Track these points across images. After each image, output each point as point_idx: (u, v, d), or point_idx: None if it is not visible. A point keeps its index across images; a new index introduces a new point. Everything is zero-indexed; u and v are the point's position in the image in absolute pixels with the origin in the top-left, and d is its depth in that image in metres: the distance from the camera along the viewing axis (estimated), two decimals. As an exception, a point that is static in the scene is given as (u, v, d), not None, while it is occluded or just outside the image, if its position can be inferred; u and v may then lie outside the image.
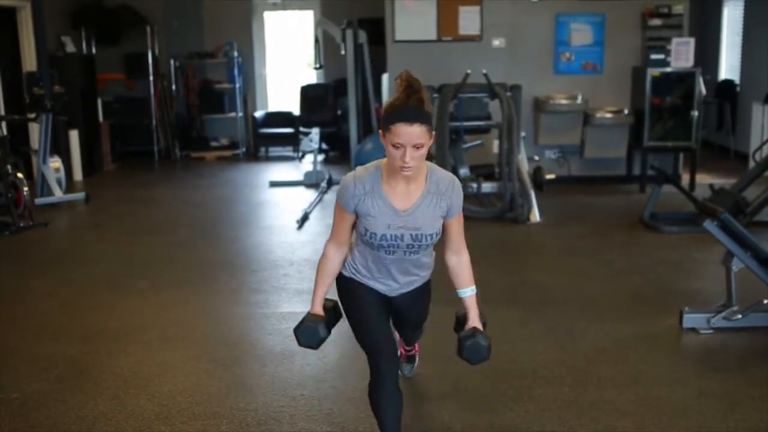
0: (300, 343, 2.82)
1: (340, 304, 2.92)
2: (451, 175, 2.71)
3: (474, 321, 2.81)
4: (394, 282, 2.82)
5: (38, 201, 7.71)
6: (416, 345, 3.57)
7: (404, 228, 2.63)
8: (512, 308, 4.72)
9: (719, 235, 4.20)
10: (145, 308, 4.88)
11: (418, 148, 2.48)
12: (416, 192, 2.63)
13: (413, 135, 2.45)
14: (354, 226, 2.75)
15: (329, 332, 2.84)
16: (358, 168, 2.69)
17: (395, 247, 2.67)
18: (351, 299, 2.84)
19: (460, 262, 2.81)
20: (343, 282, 2.88)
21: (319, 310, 2.83)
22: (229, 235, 6.78)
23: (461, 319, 2.87)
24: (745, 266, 4.23)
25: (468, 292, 2.83)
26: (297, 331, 2.81)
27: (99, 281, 5.47)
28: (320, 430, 3.26)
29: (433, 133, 2.56)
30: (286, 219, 7.23)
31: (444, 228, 2.73)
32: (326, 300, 2.87)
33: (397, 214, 2.62)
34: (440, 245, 2.82)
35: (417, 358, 3.64)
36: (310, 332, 2.78)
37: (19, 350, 4.22)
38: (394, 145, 2.48)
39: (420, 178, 2.63)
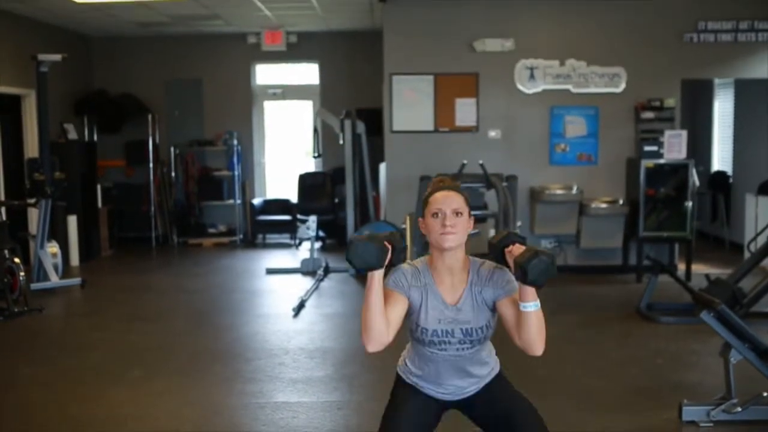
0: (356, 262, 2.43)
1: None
2: (494, 263, 2.59)
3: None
4: (449, 384, 2.64)
5: (34, 286, 7.68)
6: None
7: (454, 323, 2.55)
8: (509, 400, 4.65)
9: (716, 327, 4.19)
10: (137, 398, 4.81)
11: (458, 214, 2.50)
12: (460, 285, 2.57)
13: (451, 200, 2.50)
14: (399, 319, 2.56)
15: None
16: (404, 263, 2.59)
17: (446, 344, 2.56)
18: (392, 399, 2.69)
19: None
20: (396, 380, 2.74)
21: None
22: (224, 323, 6.74)
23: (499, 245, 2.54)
24: (744, 358, 4.21)
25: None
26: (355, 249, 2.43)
27: (92, 369, 5.40)
28: None
29: (473, 219, 2.57)
30: (282, 307, 7.19)
31: (503, 314, 2.54)
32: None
33: (447, 308, 2.55)
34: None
35: None
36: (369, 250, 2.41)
37: (7, 440, 4.15)
38: (433, 215, 2.51)
39: (463, 268, 2.58)
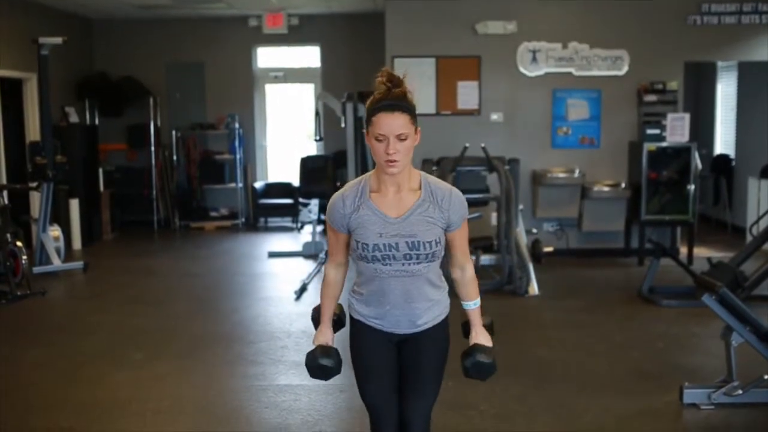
0: (312, 375, 2.70)
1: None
2: (448, 185, 2.60)
3: (475, 337, 2.69)
4: (398, 310, 2.60)
5: (36, 269, 7.69)
6: None
7: (398, 236, 2.49)
8: (511, 383, 4.66)
9: (718, 310, 4.20)
10: (140, 380, 4.82)
11: (402, 139, 2.42)
12: (409, 199, 2.53)
13: (395, 124, 2.41)
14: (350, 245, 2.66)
15: (339, 361, 2.69)
16: (347, 183, 2.64)
17: (391, 259, 2.51)
18: (357, 354, 2.70)
19: (464, 275, 2.69)
20: (352, 328, 2.73)
21: (328, 336, 2.71)
22: (226, 307, 6.75)
23: (467, 328, 2.76)
24: (745, 341, 4.21)
25: (472, 305, 2.70)
26: (308, 365, 2.67)
27: (94, 352, 5.42)
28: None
29: (419, 129, 2.49)
30: (285, 290, 7.21)
31: (449, 242, 2.61)
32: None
33: (387, 222, 2.51)
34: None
35: None
36: (320, 368, 2.67)
37: (9, 423, 4.16)
38: (377, 138, 2.44)
39: (412, 183, 2.55)
